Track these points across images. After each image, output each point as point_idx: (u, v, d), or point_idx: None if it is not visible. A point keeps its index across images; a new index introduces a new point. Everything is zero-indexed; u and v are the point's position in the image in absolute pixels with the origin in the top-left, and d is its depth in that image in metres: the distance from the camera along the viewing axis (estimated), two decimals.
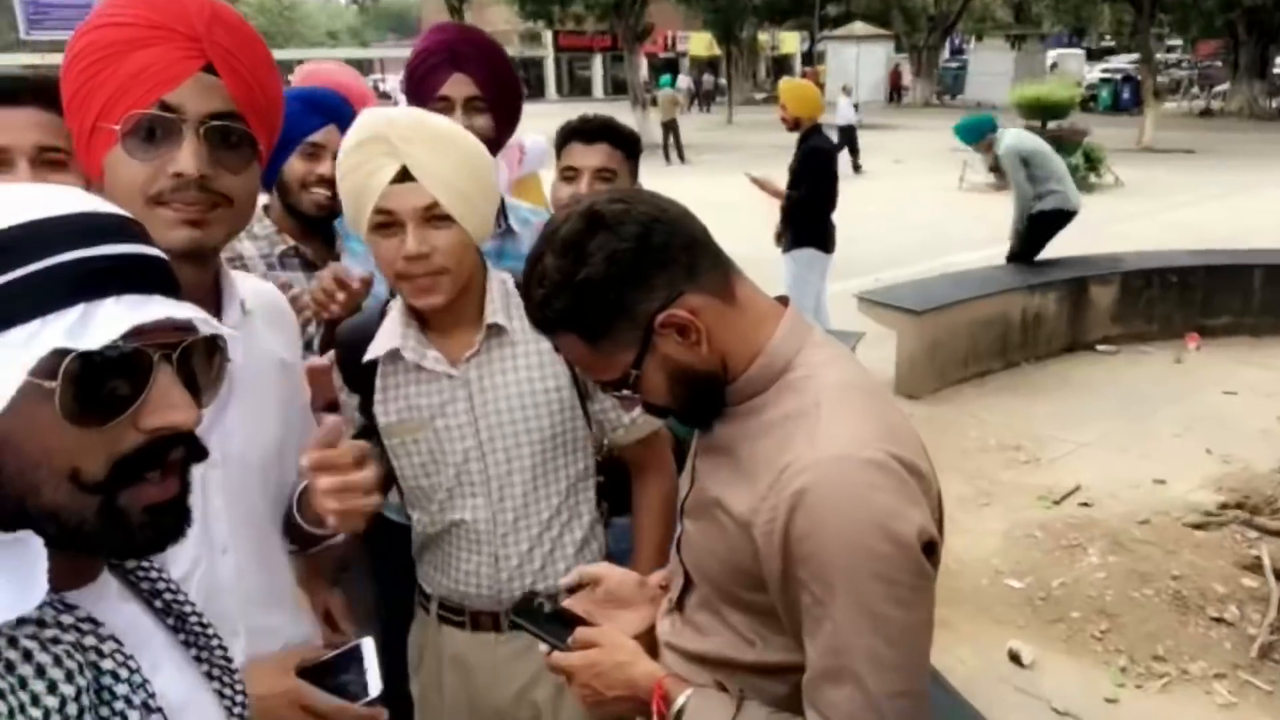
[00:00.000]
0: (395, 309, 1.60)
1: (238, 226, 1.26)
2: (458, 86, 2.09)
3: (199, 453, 0.80)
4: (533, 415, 1.59)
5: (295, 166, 2.10)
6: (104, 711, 0.74)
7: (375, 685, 1.21)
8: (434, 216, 1.44)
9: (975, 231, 10.29)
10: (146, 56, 1.12)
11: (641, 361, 1.14)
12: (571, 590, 1.44)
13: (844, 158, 9.94)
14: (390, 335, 1.57)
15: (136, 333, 0.72)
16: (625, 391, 1.18)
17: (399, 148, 1.41)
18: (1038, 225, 6.81)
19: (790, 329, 1.19)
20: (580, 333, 1.14)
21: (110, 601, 0.82)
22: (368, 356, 1.59)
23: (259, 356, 1.31)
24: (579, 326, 1.13)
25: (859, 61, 30.11)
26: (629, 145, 2.28)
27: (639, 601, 1.43)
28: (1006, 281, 6.65)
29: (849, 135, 16.40)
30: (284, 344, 1.40)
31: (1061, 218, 6.72)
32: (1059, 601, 3.74)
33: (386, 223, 1.44)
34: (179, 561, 1.24)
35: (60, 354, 0.69)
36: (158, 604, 0.91)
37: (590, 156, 2.23)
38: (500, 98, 2.14)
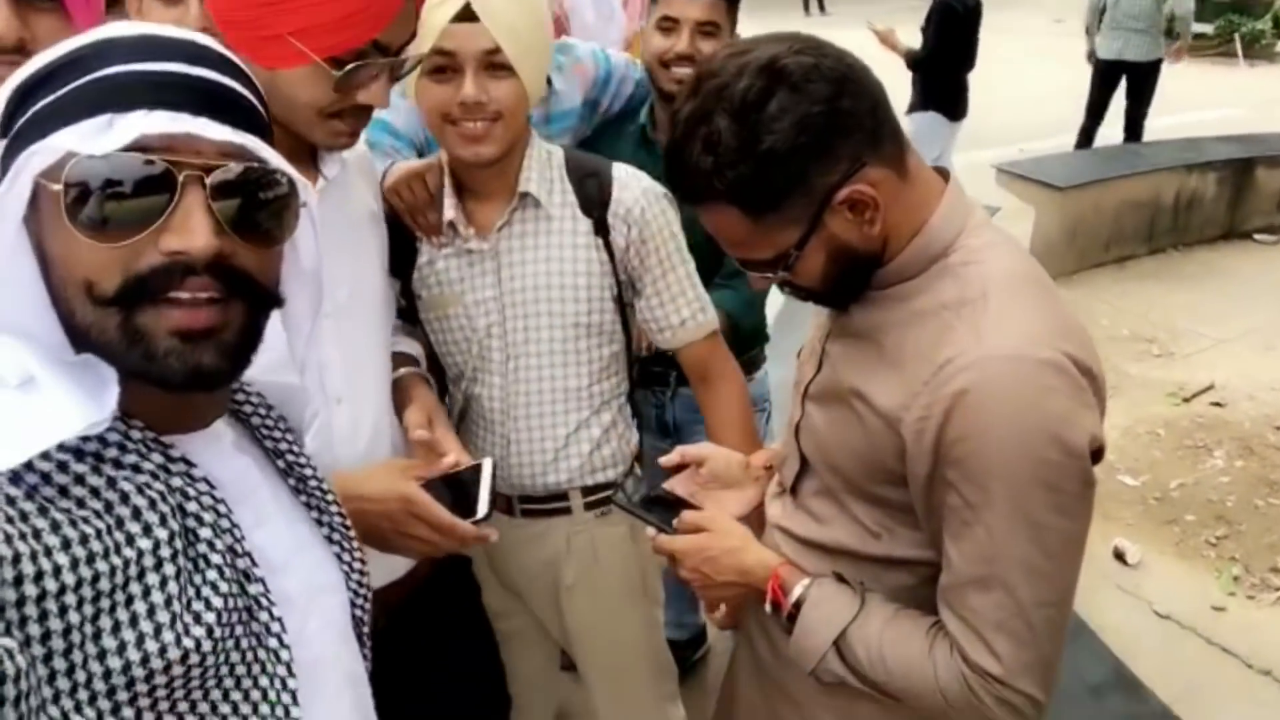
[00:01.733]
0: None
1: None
2: (691, 6, 1.96)
3: (247, 289, 0.75)
4: (556, 299, 1.51)
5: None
6: (190, 552, 0.75)
7: (484, 506, 1.20)
8: (494, 64, 1.35)
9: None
10: None
11: (806, 241, 1.03)
12: (672, 471, 1.40)
13: None
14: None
15: (167, 149, 0.70)
16: (771, 274, 1.09)
17: None
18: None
19: (952, 207, 1.08)
20: (746, 206, 1.01)
21: (220, 451, 0.82)
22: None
23: (356, 208, 1.33)
24: (748, 200, 1.01)
25: None
26: None
27: (744, 482, 1.40)
28: (1161, 159, 6.15)
29: None
30: (373, 194, 1.41)
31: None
32: (1174, 503, 3.60)
33: (442, 65, 1.35)
34: None
35: (71, 158, 0.68)
36: (280, 463, 0.91)
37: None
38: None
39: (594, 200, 1.51)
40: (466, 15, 1.32)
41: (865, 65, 1.04)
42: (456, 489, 1.23)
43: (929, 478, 1.03)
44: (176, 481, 0.76)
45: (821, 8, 18.09)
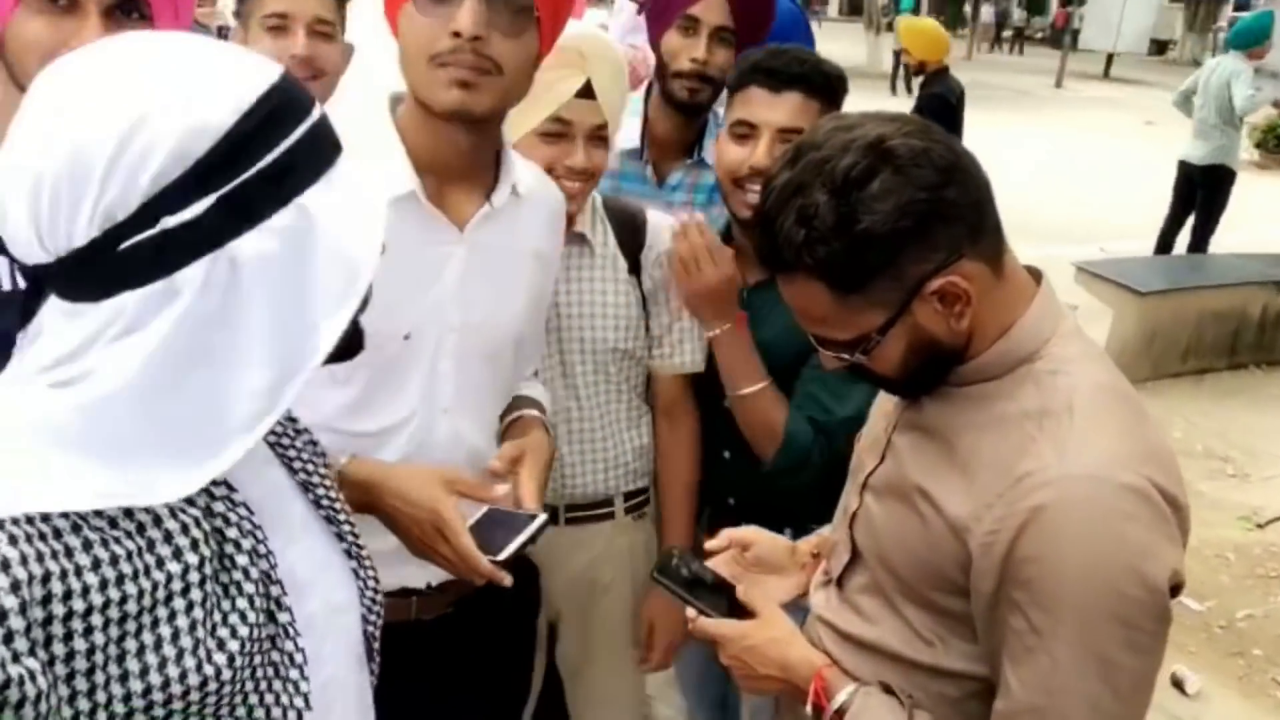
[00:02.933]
0: None
1: (509, 98, 1.25)
2: (711, 11, 1.92)
3: None
4: (600, 326, 1.67)
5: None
6: (223, 578, 0.75)
7: (509, 550, 1.16)
8: (599, 136, 1.55)
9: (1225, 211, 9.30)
10: None
11: (890, 327, 1.00)
12: (714, 552, 1.36)
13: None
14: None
15: None
16: (847, 355, 1.05)
17: (591, 64, 1.48)
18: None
19: (1043, 311, 1.04)
20: (832, 284, 0.98)
21: (251, 467, 0.82)
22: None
23: (518, 241, 1.36)
24: (834, 278, 0.98)
25: (1125, 8, 27.46)
26: (829, 92, 1.66)
27: (789, 568, 1.36)
28: (1251, 272, 5.97)
29: None
30: (546, 237, 1.43)
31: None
32: (1242, 634, 3.41)
33: (557, 132, 1.52)
34: (393, 411, 1.29)
35: None
36: (297, 479, 0.92)
37: (776, 110, 1.62)
38: (747, 29, 1.97)
39: (629, 244, 1.70)
40: (586, 93, 1.50)
41: (975, 158, 1.01)
42: (500, 524, 1.20)
43: (993, 595, 0.97)
44: (219, 507, 0.76)
45: (909, 89, 18.12)
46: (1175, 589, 0.95)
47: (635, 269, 1.70)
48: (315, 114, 0.74)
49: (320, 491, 0.92)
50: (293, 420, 0.94)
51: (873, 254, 0.96)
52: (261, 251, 0.70)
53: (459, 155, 1.27)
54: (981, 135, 5.69)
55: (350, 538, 0.94)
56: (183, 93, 0.68)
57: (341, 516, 0.93)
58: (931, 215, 0.95)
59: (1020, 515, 0.94)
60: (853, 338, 1.03)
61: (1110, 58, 24.90)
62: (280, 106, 0.71)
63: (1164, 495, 0.94)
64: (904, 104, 16.48)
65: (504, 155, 1.35)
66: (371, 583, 0.95)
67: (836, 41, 24.98)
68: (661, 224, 1.72)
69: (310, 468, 0.92)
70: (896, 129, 0.98)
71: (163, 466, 0.69)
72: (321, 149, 0.75)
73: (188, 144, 0.67)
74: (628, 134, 2.05)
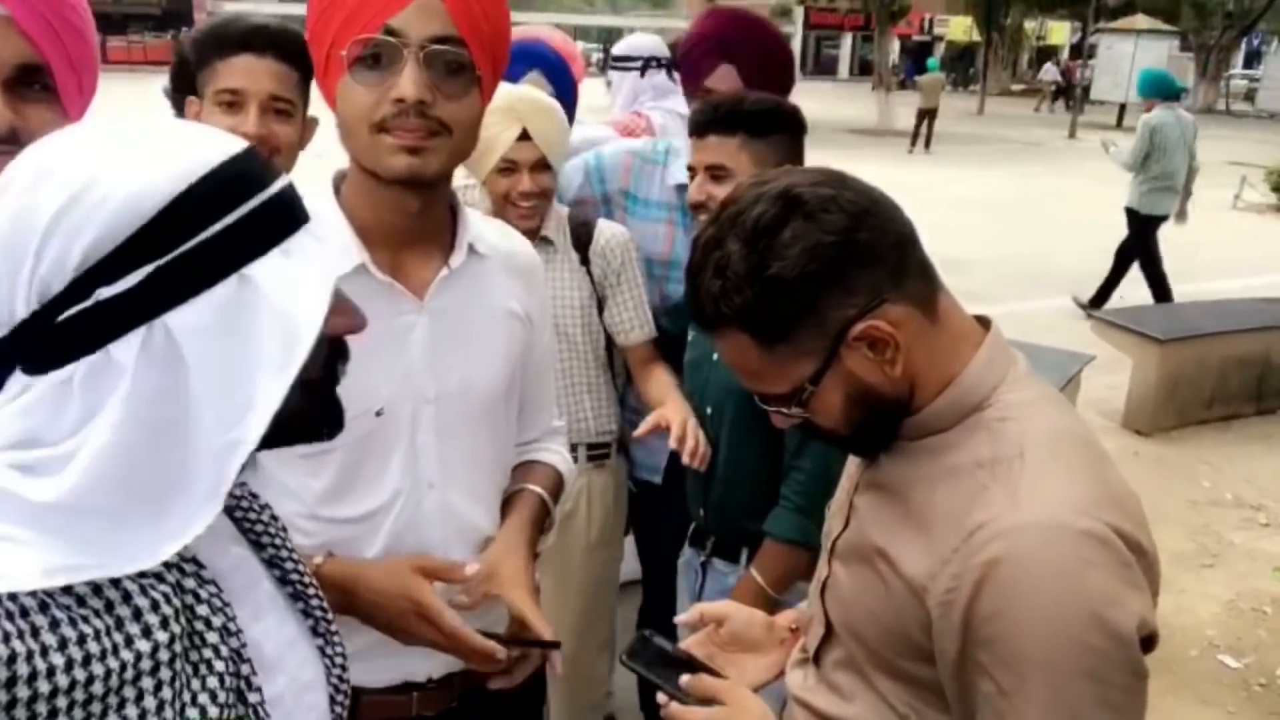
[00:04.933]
0: None
1: (458, 156, 1.24)
2: (723, 79, 2.12)
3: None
4: (565, 308, 2.15)
5: None
6: (193, 656, 0.73)
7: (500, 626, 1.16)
8: (542, 166, 2.01)
9: (1241, 255, 9.21)
10: None
11: (821, 376, 0.99)
12: (690, 629, 1.32)
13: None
14: None
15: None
16: (787, 409, 1.03)
17: (525, 115, 1.96)
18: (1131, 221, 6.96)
19: (991, 357, 1.02)
20: (756, 334, 0.98)
21: (219, 541, 0.81)
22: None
23: (486, 301, 1.34)
24: (756, 328, 0.98)
25: (1134, 58, 27.66)
26: (749, 124, 1.83)
27: (767, 645, 1.30)
28: (1273, 316, 5.87)
29: None
30: (519, 296, 1.39)
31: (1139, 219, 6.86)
32: None
33: (507, 169, 1.99)
34: (377, 493, 1.26)
35: None
36: (263, 555, 0.90)
37: (701, 153, 1.87)
38: (767, 87, 2.08)
39: (582, 242, 2.16)
40: (524, 136, 1.97)
41: (894, 203, 1.01)
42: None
43: (958, 658, 0.93)
44: (189, 583, 0.75)
45: (927, 146, 18.25)
46: (1147, 641, 0.90)
47: (585, 262, 2.15)
48: (276, 186, 0.73)
49: (288, 566, 0.91)
50: (255, 496, 0.93)
51: (787, 300, 0.95)
52: (197, 324, 0.69)
53: (410, 220, 1.25)
54: (994, 185, 5.68)
55: (318, 613, 0.92)
56: (129, 164, 0.67)
57: (310, 592, 0.91)
58: (843, 259, 0.94)
59: (976, 570, 0.90)
60: (788, 390, 1.01)
61: (1123, 108, 25.01)
62: (233, 179, 0.70)
63: (1125, 540, 0.90)
64: (918, 161, 16.61)
65: (459, 215, 1.33)
66: (339, 659, 0.92)
67: (847, 102, 25.33)
68: (608, 228, 2.19)
69: (277, 543, 0.91)
70: (808, 179, 0.98)
71: (131, 538, 0.69)
72: (278, 221, 0.74)
73: (125, 215, 0.66)
74: (677, 172, 2.26)
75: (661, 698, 1.18)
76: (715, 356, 1.83)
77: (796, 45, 48.71)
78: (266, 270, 0.72)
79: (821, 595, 1.15)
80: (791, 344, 0.98)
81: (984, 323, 1.07)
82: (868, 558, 1.05)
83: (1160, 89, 7.09)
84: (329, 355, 0.81)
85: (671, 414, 1.90)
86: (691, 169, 1.92)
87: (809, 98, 2.19)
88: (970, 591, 0.90)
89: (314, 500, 1.25)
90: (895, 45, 24.80)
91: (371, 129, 1.16)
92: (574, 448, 2.06)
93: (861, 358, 0.98)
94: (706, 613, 1.31)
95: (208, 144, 0.72)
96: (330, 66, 1.17)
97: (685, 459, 1.85)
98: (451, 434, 1.30)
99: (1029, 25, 42.75)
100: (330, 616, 0.93)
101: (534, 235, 2.04)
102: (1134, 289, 7.41)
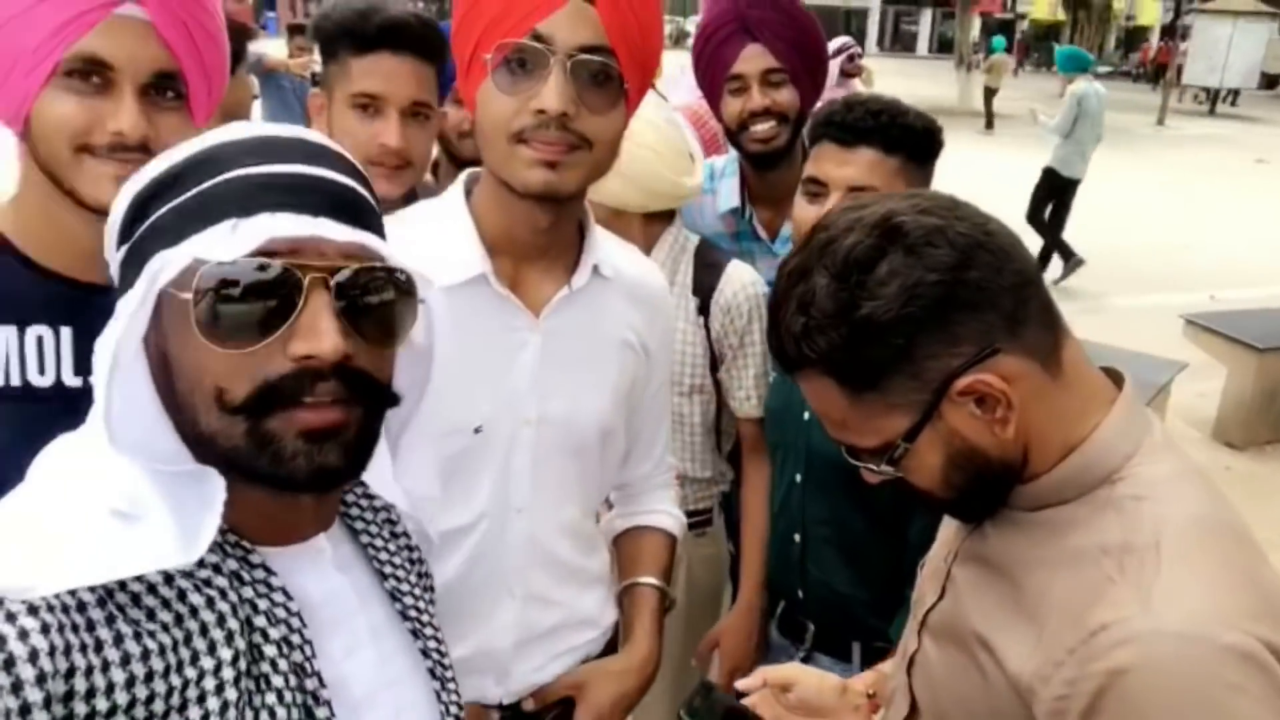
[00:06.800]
0: None
1: (597, 172, 1.18)
2: (752, 61, 1.92)
3: (367, 390, 0.75)
4: (676, 363, 1.83)
5: (452, 114, 2.00)
6: (254, 671, 0.72)
7: None
8: None
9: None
10: None
11: (917, 433, 0.88)
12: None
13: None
14: None
15: (291, 252, 0.70)
16: (884, 467, 0.92)
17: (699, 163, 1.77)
18: (1049, 178, 7.64)
19: (1125, 422, 0.89)
20: (842, 381, 0.88)
21: (318, 568, 0.80)
22: None
23: (603, 327, 1.29)
24: (842, 373, 0.88)
25: (1231, 41, 26.47)
26: (910, 146, 1.53)
27: (840, 711, 1.21)
28: None
29: None
30: (638, 327, 1.33)
31: (1061, 180, 7.55)
32: None
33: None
34: (461, 512, 1.22)
35: (199, 265, 0.69)
36: (387, 585, 0.88)
37: (846, 166, 1.53)
38: (804, 65, 1.93)
39: (704, 287, 1.84)
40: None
41: (1014, 236, 0.88)
42: None
43: None
44: (248, 592, 0.74)
45: (989, 126, 17.73)
46: None
47: (704, 310, 1.83)
48: None
49: (408, 601, 0.88)
50: (392, 523, 0.92)
51: (878, 345, 0.84)
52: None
53: (538, 234, 1.19)
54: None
55: (436, 655, 0.90)
56: None
57: (429, 632, 0.89)
58: (948, 301, 0.83)
59: (1096, 679, 0.79)
60: (877, 445, 0.91)
61: (1215, 94, 24.02)
62: None
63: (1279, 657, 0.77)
64: (998, 140, 16.12)
65: (588, 232, 1.27)
66: (454, 708, 0.90)
67: (927, 80, 24.71)
68: (739, 274, 1.84)
69: (400, 574, 0.89)
70: (913, 205, 0.87)
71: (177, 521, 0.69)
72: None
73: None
74: (726, 196, 2.11)
75: None
76: (807, 415, 1.65)
77: (874, 21, 47.76)
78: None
79: (909, 671, 1.05)
80: (883, 394, 0.87)
81: (1115, 378, 0.94)
82: (964, 642, 0.95)
83: (1077, 63, 8.18)
84: None
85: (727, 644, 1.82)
86: (818, 182, 1.56)
87: (886, 76, 2.04)
88: (1088, 703, 0.80)
89: None
90: (976, 23, 24.06)
91: (510, 139, 1.10)
92: (713, 701, 1.89)
93: (967, 415, 0.87)
94: (770, 677, 1.26)
95: None
96: (473, 69, 1.11)
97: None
98: (547, 460, 1.25)
99: (1117, 4, 41.25)
100: (447, 658, 0.90)
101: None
102: (1231, 292, 7.01)
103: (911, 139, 1.53)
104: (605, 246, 1.29)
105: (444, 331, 0.86)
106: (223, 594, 0.71)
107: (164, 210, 0.72)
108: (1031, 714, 0.85)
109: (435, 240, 1.16)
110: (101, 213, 1.11)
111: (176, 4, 1.09)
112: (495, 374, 1.21)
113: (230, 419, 0.70)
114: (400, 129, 1.55)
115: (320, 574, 0.80)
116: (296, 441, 0.71)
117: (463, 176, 1.27)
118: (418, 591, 0.90)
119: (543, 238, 1.20)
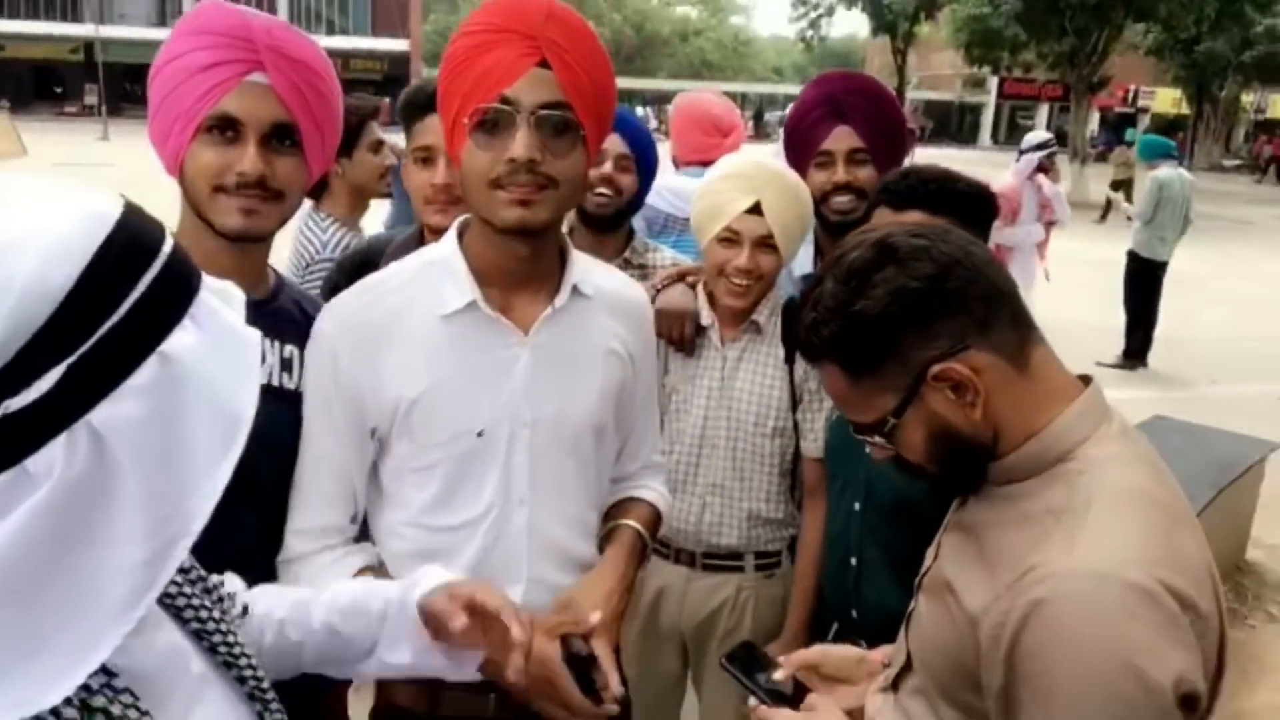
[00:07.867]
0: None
1: (565, 207, 1.36)
2: (840, 140, 2.12)
3: None
4: (760, 404, 1.99)
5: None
6: None
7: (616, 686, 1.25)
8: (765, 244, 1.89)
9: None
10: (492, 58, 1.26)
11: (903, 410, 1.07)
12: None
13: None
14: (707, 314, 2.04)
15: None
16: (878, 439, 1.12)
17: (759, 186, 1.88)
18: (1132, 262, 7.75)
19: (1082, 414, 1.06)
20: (843, 365, 1.08)
21: (139, 634, 0.70)
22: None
23: (588, 338, 1.45)
24: (843, 358, 1.08)
25: None
26: (957, 209, 1.68)
27: (858, 677, 1.35)
28: None
29: None
30: (621, 336, 1.50)
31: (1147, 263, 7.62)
32: None
33: (729, 239, 1.90)
34: (472, 505, 1.38)
35: None
36: (189, 627, 0.83)
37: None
38: (884, 145, 2.14)
39: (791, 337, 1.96)
40: (755, 209, 1.87)
41: (991, 258, 1.08)
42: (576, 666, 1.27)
43: (1002, 691, 0.97)
44: (98, 700, 0.68)
45: (1103, 217, 17.36)
46: (1188, 700, 0.90)
47: (790, 359, 2.01)
48: (167, 247, 0.66)
49: (216, 639, 0.84)
50: (205, 578, 0.88)
51: (869, 335, 1.04)
52: (125, 416, 0.62)
53: (520, 264, 1.37)
54: (1184, 260, 5.40)
55: (252, 682, 0.86)
56: (10, 259, 0.58)
57: (243, 661, 0.86)
58: (928, 303, 1.02)
59: (1022, 608, 0.94)
60: (873, 420, 1.09)
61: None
62: (126, 249, 0.63)
63: (1177, 596, 0.91)
64: (1111, 232, 15.74)
65: (568, 259, 1.44)
66: None
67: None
68: None
69: (204, 614, 0.83)
70: (907, 231, 1.07)
71: (34, 670, 0.61)
72: (179, 285, 0.66)
73: (23, 315, 0.58)
74: (803, 262, 2.26)
75: (752, 701, 1.27)
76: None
77: (988, 114, 47.69)
78: (183, 342, 0.65)
79: (906, 627, 1.22)
80: (876, 377, 1.06)
81: (1086, 382, 1.12)
82: (940, 592, 1.11)
83: (1159, 150, 8.16)
84: None
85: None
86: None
87: (999, 168, 2.23)
88: (1015, 627, 0.94)
89: (418, 509, 1.39)
90: (1095, 117, 23.85)
91: (489, 185, 1.28)
92: (739, 555, 2.05)
93: (944, 398, 1.04)
94: (797, 660, 1.36)
95: (85, 212, 0.63)
96: (455, 132, 1.30)
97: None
98: (543, 456, 1.41)
99: (1246, 98, 40.19)
100: (263, 677, 0.87)
101: (742, 317, 1.99)
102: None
103: (958, 202, 1.69)
104: (585, 269, 1.45)
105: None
106: (67, 701, 0.64)
107: None
108: (978, 641, 0.99)
109: (434, 277, 1.37)
110: (232, 240, 1.33)
111: (291, 69, 1.31)
112: (493, 385, 1.36)
113: None
114: (447, 170, 1.84)
115: (143, 639, 0.73)
116: None
117: (456, 223, 1.43)
118: (225, 625, 0.85)
119: (525, 266, 1.37)
